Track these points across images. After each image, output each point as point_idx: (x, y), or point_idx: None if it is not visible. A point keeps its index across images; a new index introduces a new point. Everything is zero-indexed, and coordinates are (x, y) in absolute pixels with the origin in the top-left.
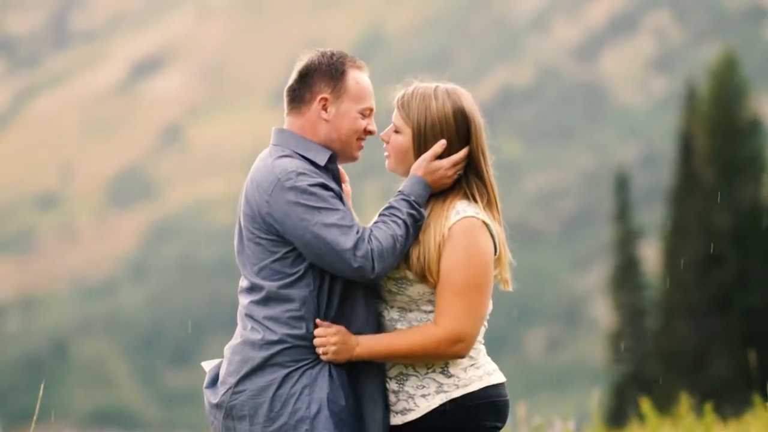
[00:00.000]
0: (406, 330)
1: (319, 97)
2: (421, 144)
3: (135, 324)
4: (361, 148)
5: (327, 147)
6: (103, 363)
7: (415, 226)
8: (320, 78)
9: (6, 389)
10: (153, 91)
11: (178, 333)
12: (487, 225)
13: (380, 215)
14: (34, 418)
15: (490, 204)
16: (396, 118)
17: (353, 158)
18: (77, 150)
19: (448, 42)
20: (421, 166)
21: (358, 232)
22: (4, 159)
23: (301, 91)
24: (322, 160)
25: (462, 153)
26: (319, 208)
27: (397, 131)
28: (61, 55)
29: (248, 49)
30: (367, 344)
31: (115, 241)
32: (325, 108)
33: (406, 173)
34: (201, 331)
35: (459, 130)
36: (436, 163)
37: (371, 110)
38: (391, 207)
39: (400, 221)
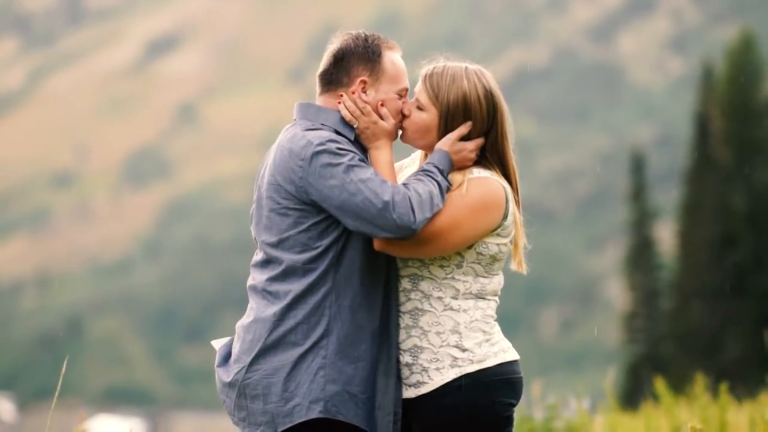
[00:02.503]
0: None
1: (358, 80)
2: (447, 124)
3: (149, 302)
4: (399, 128)
5: None
6: (118, 341)
7: (446, 191)
8: (357, 61)
9: (21, 367)
10: (168, 70)
11: (192, 311)
12: (505, 190)
13: (413, 176)
14: (56, 394)
15: (510, 187)
16: (421, 94)
17: (394, 138)
18: (92, 129)
19: (464, 22)
20: (446, 143)
21: (393, 186)
22: (19, 137)
23: (337, 75)
24: (351, 134)
25: (481, 140)
26: (353, 166)
27: (420, 108)
28: (76, 33)
29: (264, 29)
30: (384, 152)
31: (130, 219)
32: (364, 90)
33: (424, 148)
34: (215, 310)
35: (487, 113)
36: (462, 143)
37: (407, 90)
38: (424, 170)
39: (434, 182)
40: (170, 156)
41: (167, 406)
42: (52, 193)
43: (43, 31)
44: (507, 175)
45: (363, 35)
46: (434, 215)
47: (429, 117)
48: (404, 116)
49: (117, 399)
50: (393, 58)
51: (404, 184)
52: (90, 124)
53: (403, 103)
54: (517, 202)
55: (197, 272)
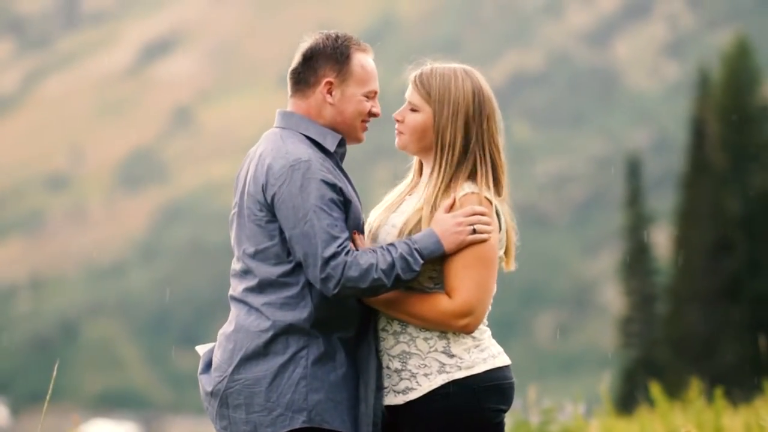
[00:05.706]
0: (419, 295)
1: (324, 81)
2: (440, 122)
3: (144, 306)
4: (365, 129)
5: (333, 130)
6: (112, 345)
7: (405, 269)
8: (325, 61)
9: (15, 370)
10: (163, 74)
11: (186, 315)
12: (490, 202)
13: (379, 246)
14: (47, 398)
15: (497, 185)
16: (413, 96)
17: (358, 140)
18: (87, 132)
19: (460, 27)
20: (437, 220)
21: (340, 246)
22: (15, 140)
23: (305, 74)
24: (331, 144)
25: (479, 210)
26: (318, 208)
27: (414, 110)
28: (72, 36)
29: (259, 33)
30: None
31: (125, 223)
32: (330, 92)
33: (420, 152)
34: (209, 314)
35: (476, 110)
36: (469, 217)
37: (376, 93)
38: (391, 243)
39: (389, 256)
40: (165, 159)
41: (161, 410)
42: (46, 196)
43: (39, 34)
44: (495, 170)
45: (334, 35)
46: (468, 293)
47: (424, 116)
48: (398, 122)
49: (111, 403)
50: (362, 61)
51: (354, 250)
52: (85, 127)
53: (372, 106)
54: (505, 201)
55: (192, 276)
